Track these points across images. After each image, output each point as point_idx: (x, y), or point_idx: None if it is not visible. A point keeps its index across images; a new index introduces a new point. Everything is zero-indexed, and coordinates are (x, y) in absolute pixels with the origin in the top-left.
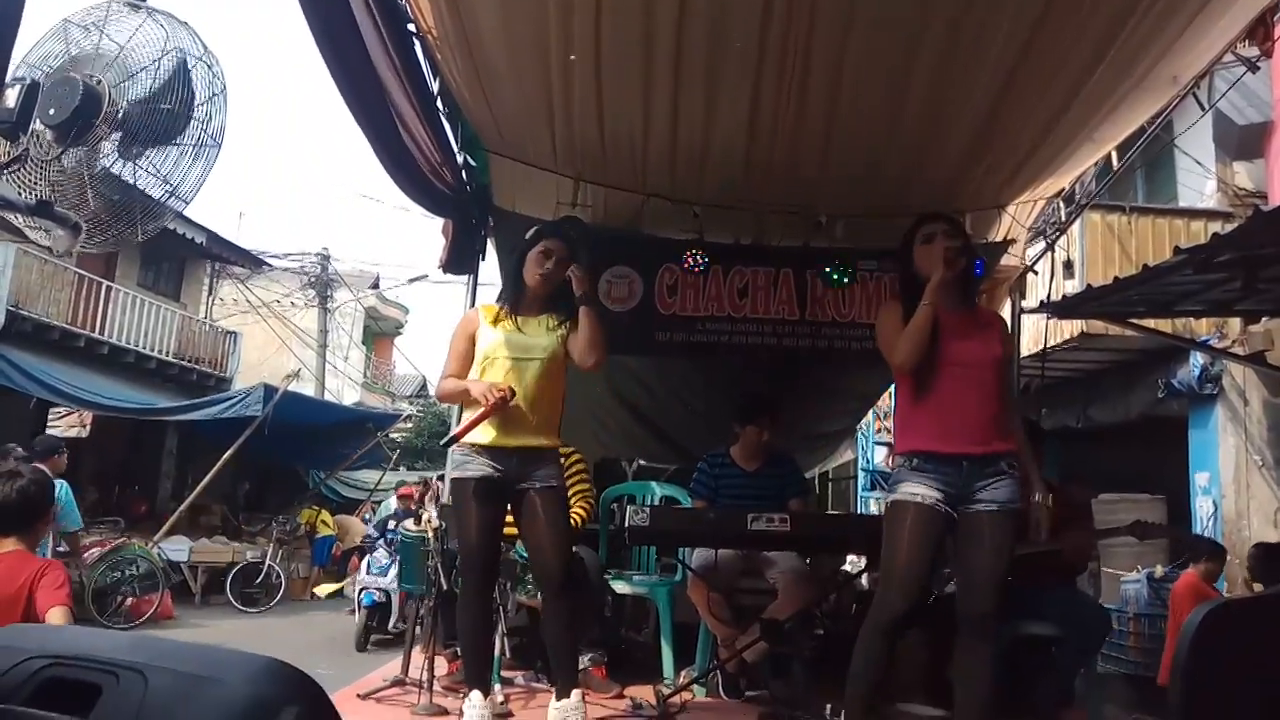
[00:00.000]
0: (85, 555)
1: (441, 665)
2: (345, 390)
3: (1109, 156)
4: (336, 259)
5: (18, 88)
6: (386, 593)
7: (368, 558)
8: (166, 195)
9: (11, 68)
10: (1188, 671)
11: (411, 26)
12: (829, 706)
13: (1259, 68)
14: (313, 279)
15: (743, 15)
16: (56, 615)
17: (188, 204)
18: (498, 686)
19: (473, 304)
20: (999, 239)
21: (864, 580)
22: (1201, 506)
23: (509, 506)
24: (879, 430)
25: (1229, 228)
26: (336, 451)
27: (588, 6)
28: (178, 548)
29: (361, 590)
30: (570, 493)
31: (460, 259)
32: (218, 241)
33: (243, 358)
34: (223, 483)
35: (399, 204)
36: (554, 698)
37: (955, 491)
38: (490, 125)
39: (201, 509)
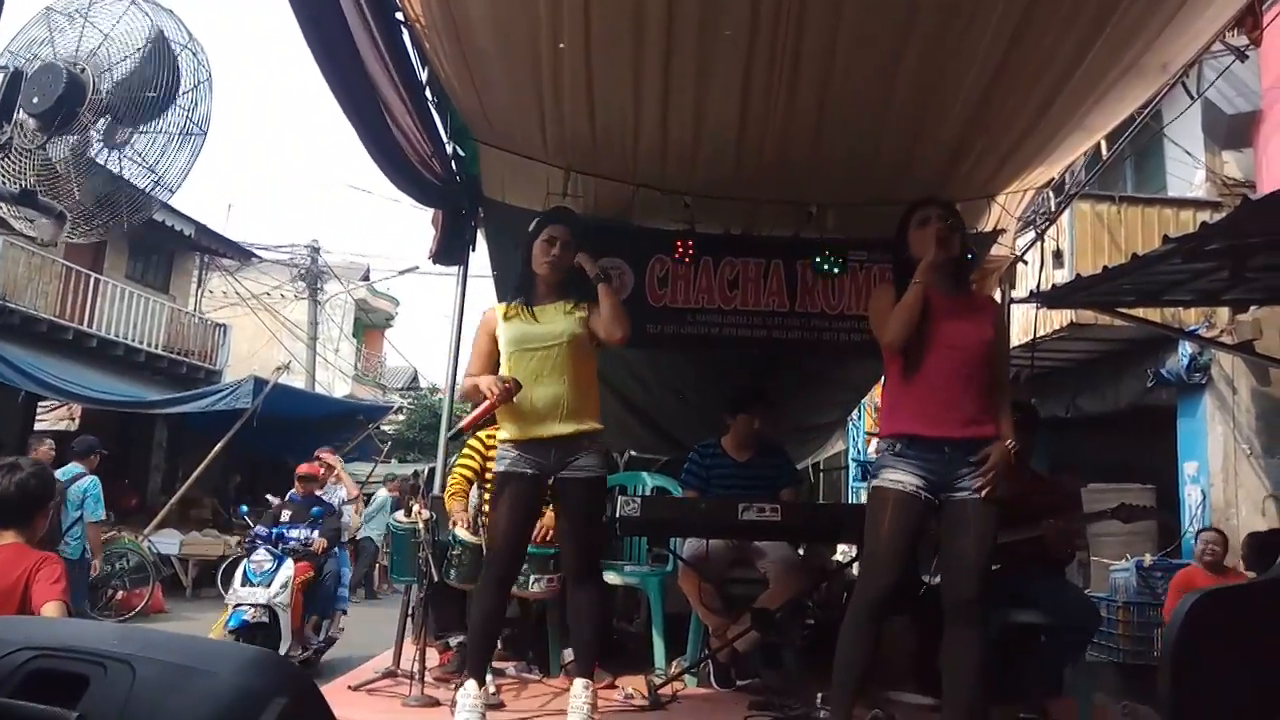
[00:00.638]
0: None
1: (433, 656)
2: (336, 382)
3: (1098, 146)
4: (326, 251)
5: (1, 76)
6: (270, 609)
7: (244, 563)
8: (152, 184)
9: None
10: (1176, 659)
11: (399, 14)
12: (820, 695)
13: (1247, 56)
14: (302, 271)
15: (733, 4)
16: (51, 610)
17: (174, 193)
18: (490, 677)
19: (463, 295)
20: (989, 229)
21: (855, 569)
22: (1190, 495)
23: (544, 499)
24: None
25: (1218, 217)
26: (327, 444)
27: None
28: (168, 541)
29: (233, 608)
30: None
31: (450, 250)
32: (207, 233)
33: (232, 350)
34: (213, 476)
35: (389, 195)
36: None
37: (937, 478)
38: (479, 115)
39: (192, 502)
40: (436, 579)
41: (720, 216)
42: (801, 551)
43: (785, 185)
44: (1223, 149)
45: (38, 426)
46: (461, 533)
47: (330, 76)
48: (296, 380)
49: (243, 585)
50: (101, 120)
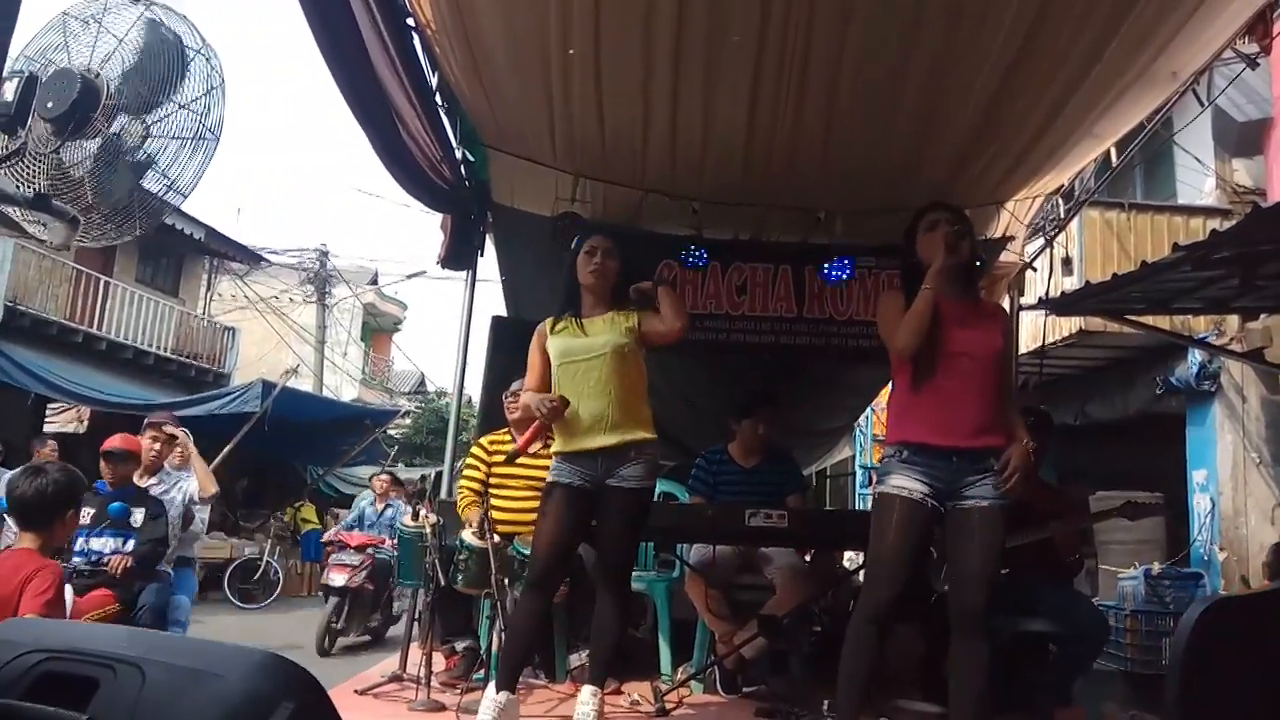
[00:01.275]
0: None
1: (439, 661)
2: (343, 386)
3: (1108, 153)
4: (335, 255)
5: (16, 81)
6: None
7: None
8: (164, 189)
9: (9, 61)
10: (1185, 667)
11: (410, 20)
12: (826, 702)
13: (1258, 64)
14: (311, 275)
15: (742, 10)
16: None
17: (186, 197)
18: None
19: (471, 299)
20: (998, 235)
21: (862, 576)
22: (1199, 504)
23: (591, 512)
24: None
25: (1228, 225)
26: (335, 448)
27: (587, 1)
28: None
29: None
30: None
31: (459, 255)
32: (216, 237)
33: (241, 353)
34: (220, 479)
35: (398, 200)
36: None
37: (944, 486)
38: (489, 120)
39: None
40: (443, 584)
41: (729, 222)
42: (809, 558)
43: (793, 191)
44: (1233, 156)
45: (47, 428)
46: (468, 537)
47: (341, 81)
48: (304, 384)
49: None
50: (115, 124)
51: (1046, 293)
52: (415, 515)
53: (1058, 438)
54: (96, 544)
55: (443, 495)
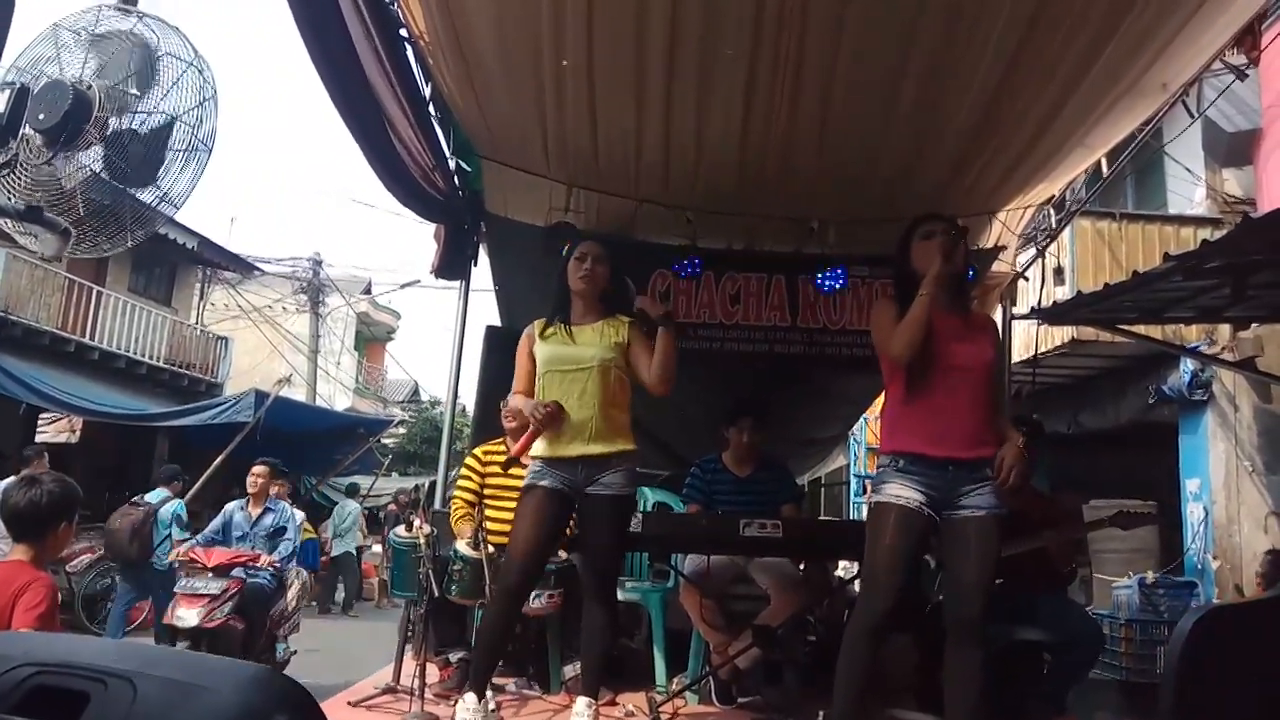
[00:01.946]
0: (75, 562)
1: (433, 673)
2: (337, 395)
3: (1099, 163)
4: (328, 264)
5: (7, 92)
6: None
7: None
8: (157, 200)
9: (0, 72)
10: (1179, 675)
11: (403, 31)
12: (821, 713)
13: (1247, 75)
14: (304, 284)
15: (735, 23)
16: None
17: (178, 209)
18: (489, 693)
19: (465, 309)
20: (990, 245)
21: (856, 586)
22: (1192, 512)
23: (570, 517)
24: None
25: (1218, 234)
26: (328, 457)
27: (580, 11)
28: None
29: None
30: None
31: (453, 264)
32: (209, 247)
33: (234, 363)
34: (214, 489)
35: (391, 209)
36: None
37: (939, 495)
38: (482, 130)
39: (193, 515)
40: (437, 594)
41: (722, 232)
42: (803, 567)
43: (787, 201)
44: (1223, 166)
45: (39, 438)
46: (463, 548)
47: (334, 90)
48: (298, 393)
49: None
50: (108, 134)
51: (1038, 302)
52: (409, 526)
53: (1050, 447)
54: None
55: (436, 505)
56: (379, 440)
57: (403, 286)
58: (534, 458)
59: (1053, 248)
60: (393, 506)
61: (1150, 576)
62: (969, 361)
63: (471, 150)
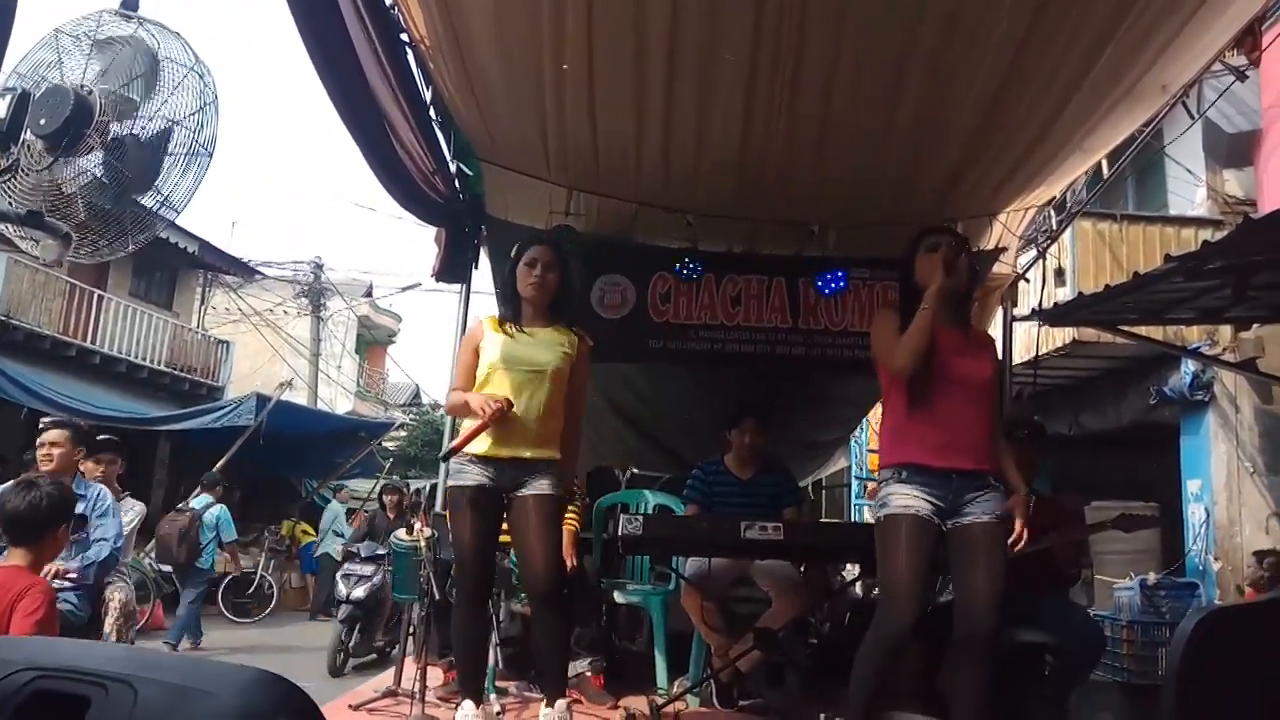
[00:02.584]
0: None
1: (436, 675)
2: (338, 399)
3: (1100, 165)
4: (329, 267)
5: (8, 98)
6: None
7: None
8: (158, 205)
9: (1, 77)
10: (1181, 676)
11: (404, 35)
12: (822, 715)
13: (1247, 76)
14: (305, 288)
15: (735, 26)
16: None
17: (179, 213)
18: (493, 696)
19: (466, 312)
20: (990, 247)
21: (858, 588)
22: (1194, 514)
23: (504, 515)
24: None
25: (1219, 235)
26: (330, 460)
27: (580, 15)
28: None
29: None
30: None
31: (453, 268)
32: (210, 251)
33: (235, 367)
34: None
35: (392, 212)
36: (543, 705)
37: (945, 504)
38: (483, 134)
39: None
40: (438, 597)
41: (722, 235)
42: (804, 570)
43: (787, 204)
44: (1223, 167)
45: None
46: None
47: (335, 94)
48: (299, 397)
49: None
50: (109, 139)
51: (1039, 303)
52: (409, 529)
53: (1052, 448)
54: None
55: (437, 508)
56: (380, 443)
57: (404, 290)
58: (465, 454)
59: (1054, 249)
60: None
61: (1152, 578)
62: (970, 375)
63: (472, 154)
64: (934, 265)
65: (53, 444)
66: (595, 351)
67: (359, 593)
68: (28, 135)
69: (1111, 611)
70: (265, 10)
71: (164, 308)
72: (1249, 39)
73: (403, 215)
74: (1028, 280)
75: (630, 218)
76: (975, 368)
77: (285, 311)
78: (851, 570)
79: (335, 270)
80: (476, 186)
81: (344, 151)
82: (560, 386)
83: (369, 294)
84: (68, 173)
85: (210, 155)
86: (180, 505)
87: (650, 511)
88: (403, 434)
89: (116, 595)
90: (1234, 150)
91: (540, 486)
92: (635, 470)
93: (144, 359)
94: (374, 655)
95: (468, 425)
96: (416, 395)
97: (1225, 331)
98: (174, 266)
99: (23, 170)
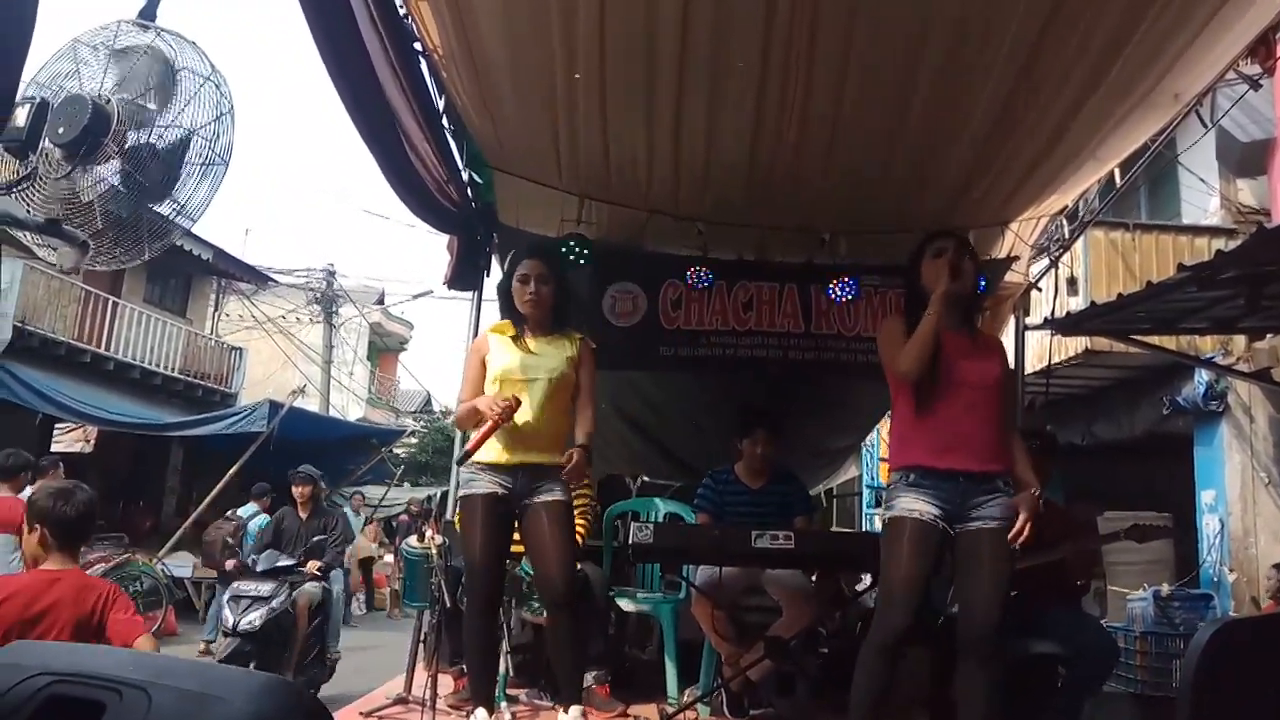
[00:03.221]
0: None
1: (447, 683)
2: (350, 406)
3: (1112, 173)
4: (342, 275)
5: (28, 107)
6: None
7: None
8: (174, 213)
9: (20, 87)
10: (1195, 688)
11: (417, 45)
12: None
13: (1261, 85)
14: (318, 295)
15: (745, 34)
16: (146, 644)
17: (195, 221)
18: (504, 704)
19: (477, 320)
20: (1002, 256)
21: (870, 598)
22: (1208, 524)
23: (515, 522)
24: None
25: (1233, 244)
26: (341, 467)
27: (592, 26)
28: (182, 564)
29: None
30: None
31: (465, 275)
32: (224, 258)
33: (248, 373)
34: (228, 499)
35: (405, 220)
36: (559, 711)
37: (952, 508)
38: (495, 142)
39: (206, 525)
40: (449, 605)
41: (733, 242)
42: (814, 579)
43: (797, 212)
44: (1237, 176)
45: (54, 448)
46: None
47: (350, 104)
48: (311, 403)
49: None
50: (126, 148)
51: (1052, 313)
52: (420, 536)
53: (1065, 458)
54: None
55: (448, 516)
56: (391, 450)
57: (415, 297)
58: (473, 463)
59: (1066, 258)
60: (404, 517)
61: (1165, 589)
62: (978, 378)
63: (484, 162)
64: (939, 270)
65: None
66: (607, 359)
67: (252, 620)
68: (46, 144)
69: (1125, 623)
70: (280, 19)
71: (178, 314)
72: (1263, 48)
73: (415, 223)
74: (1040, 289)
75: (641, 225)
76: (982, 370)
77: (298, 318)
78: (864, 580)
79: (348, 277)
80: (488, 194)
81: (357, 159)
82: (567, 392)
83: (381, 301)
84: (85, 181)
85: (226, 164)
86: (229, 514)
87: (661, 520)
88: (414, 441)
89: None
90: (1248, 159)
91: (552, 492)
92: (646, 479)
93: (158, 365)
94: None
95: (479, 432)
96: (428, 402)
97: (1239, 341)
98: (188, 273)
99: (41, 178)
